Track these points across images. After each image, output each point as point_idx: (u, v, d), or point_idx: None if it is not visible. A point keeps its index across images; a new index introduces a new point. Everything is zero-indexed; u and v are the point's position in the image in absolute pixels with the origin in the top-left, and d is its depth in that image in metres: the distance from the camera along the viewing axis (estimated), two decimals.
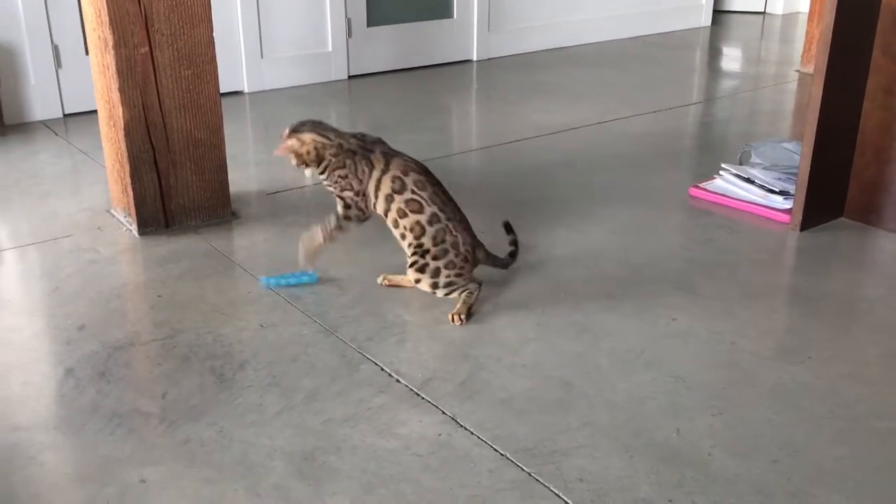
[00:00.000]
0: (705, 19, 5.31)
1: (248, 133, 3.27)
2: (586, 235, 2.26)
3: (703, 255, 2.15)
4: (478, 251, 1.87)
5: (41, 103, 3.28)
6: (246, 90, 3.73)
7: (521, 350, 1.70)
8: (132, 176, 2.18)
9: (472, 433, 1.45)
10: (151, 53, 2.11)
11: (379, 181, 1.80)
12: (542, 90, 3.84)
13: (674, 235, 2.29)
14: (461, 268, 1.83)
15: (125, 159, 2.17)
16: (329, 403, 1.53)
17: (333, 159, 1.81)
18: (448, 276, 1.82)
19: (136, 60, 2.10)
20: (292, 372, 1.63)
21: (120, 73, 2.09)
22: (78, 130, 3.17)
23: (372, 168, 1.81)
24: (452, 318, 1.80)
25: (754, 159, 2.62)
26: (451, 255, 1.81)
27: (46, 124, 3.25)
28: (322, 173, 1.84)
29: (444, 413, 1.51)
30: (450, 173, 2.77)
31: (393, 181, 1.79)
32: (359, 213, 1.84)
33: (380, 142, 1.86)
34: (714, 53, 4.84)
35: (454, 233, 1.81)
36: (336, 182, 1.83)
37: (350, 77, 4.00)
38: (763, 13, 5.77)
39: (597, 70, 4.25)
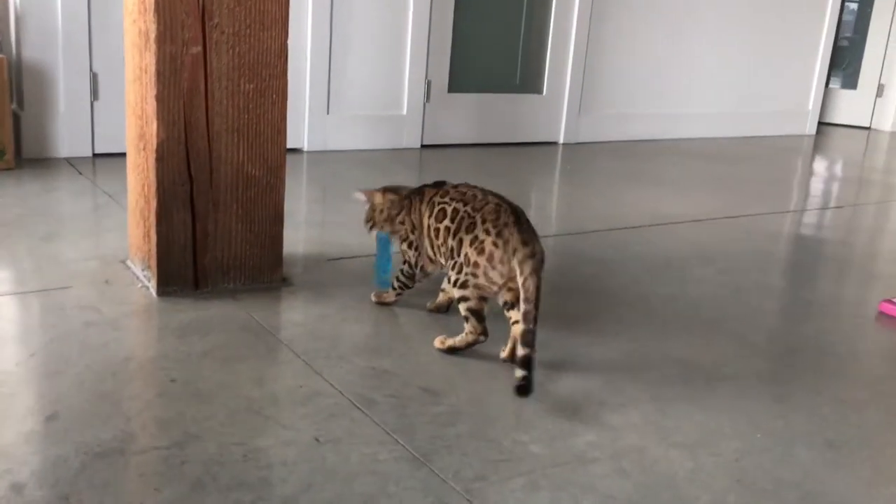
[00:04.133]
0: (810, 127, 4.80)
1: (302, 193, 2.74)
2: (761, 353, 1.65)
3: None
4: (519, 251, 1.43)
5: (69, 138, 2.79)
6: (305, 148, 3.23)
7: None
8: (158, 215, 1.64)
9: None
10: (205, 56, 1.60)
11: (421, 212, 1.62)
12: (642, 179, 3.30)
13: (881, 365, 1.67)
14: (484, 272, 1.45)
15: (152, 192, 1.63)
16: None
17: (395, 212, 1.67)
18: (465, 274, 1.47)
19: (184, 63, 1.58)
20: None
21: (160, 76, 1.57)
22: (108, 173, 2.67)
23: (421, 201, 1.63)
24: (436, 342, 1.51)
25: None
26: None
27: (71, 162, 2.76)
28: (391, 229, 1.70)
29: None
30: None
31: (429, 204, 1.60)
32: (409, 271, 1.67)
33: (442, 183, 1.65)
34: (828, 160, 4.30)
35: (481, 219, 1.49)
36: (397, 230, 1.68)
37: (423, 146, 3.50)
38: (868, 129, 5.27)
39: (702, 164, 3.73)
